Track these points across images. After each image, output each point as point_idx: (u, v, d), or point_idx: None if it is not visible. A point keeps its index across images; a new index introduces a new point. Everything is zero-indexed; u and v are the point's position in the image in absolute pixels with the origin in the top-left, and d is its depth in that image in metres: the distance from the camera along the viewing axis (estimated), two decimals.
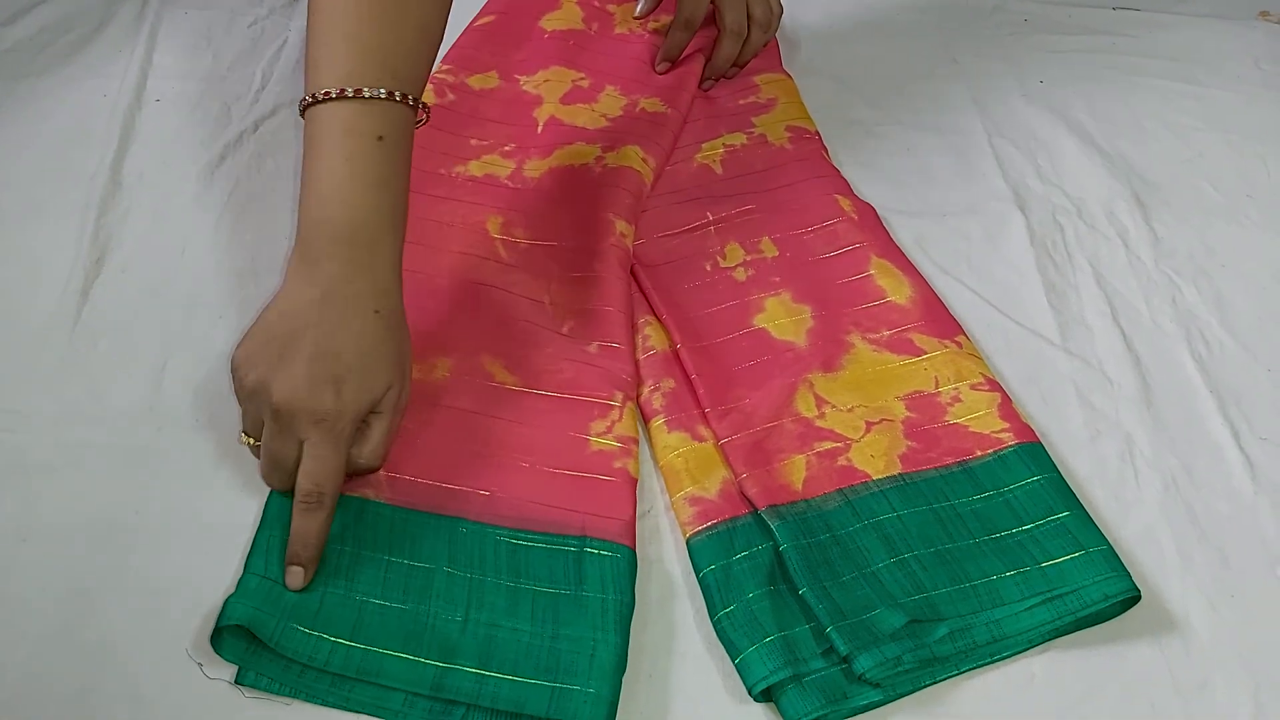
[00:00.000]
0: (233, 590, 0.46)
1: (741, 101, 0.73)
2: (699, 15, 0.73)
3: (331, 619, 0.46)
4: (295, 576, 0.47)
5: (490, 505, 0.51)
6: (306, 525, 0.47)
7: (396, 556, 0.49)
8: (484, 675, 0.45)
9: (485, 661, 0.46)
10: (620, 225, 0.63)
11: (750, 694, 0.46)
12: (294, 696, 0.45)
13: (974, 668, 0.47)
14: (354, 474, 0.50)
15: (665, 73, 0.73)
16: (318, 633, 0.45)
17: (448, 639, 0.46)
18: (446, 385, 0.55)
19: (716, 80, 0.74)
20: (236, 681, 0.45)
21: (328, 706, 0.45)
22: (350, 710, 0.45)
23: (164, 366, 0.56)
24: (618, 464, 0.52)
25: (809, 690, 0.45)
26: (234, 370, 0.49)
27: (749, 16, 0.73)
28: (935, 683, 0.47)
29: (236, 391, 0.50)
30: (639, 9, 0.76)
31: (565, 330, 0.58)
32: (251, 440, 0.50)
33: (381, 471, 0.51)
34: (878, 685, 0.46)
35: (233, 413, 0.54)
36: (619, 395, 0.55)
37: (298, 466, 0.48)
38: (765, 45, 0.76)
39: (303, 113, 0.51)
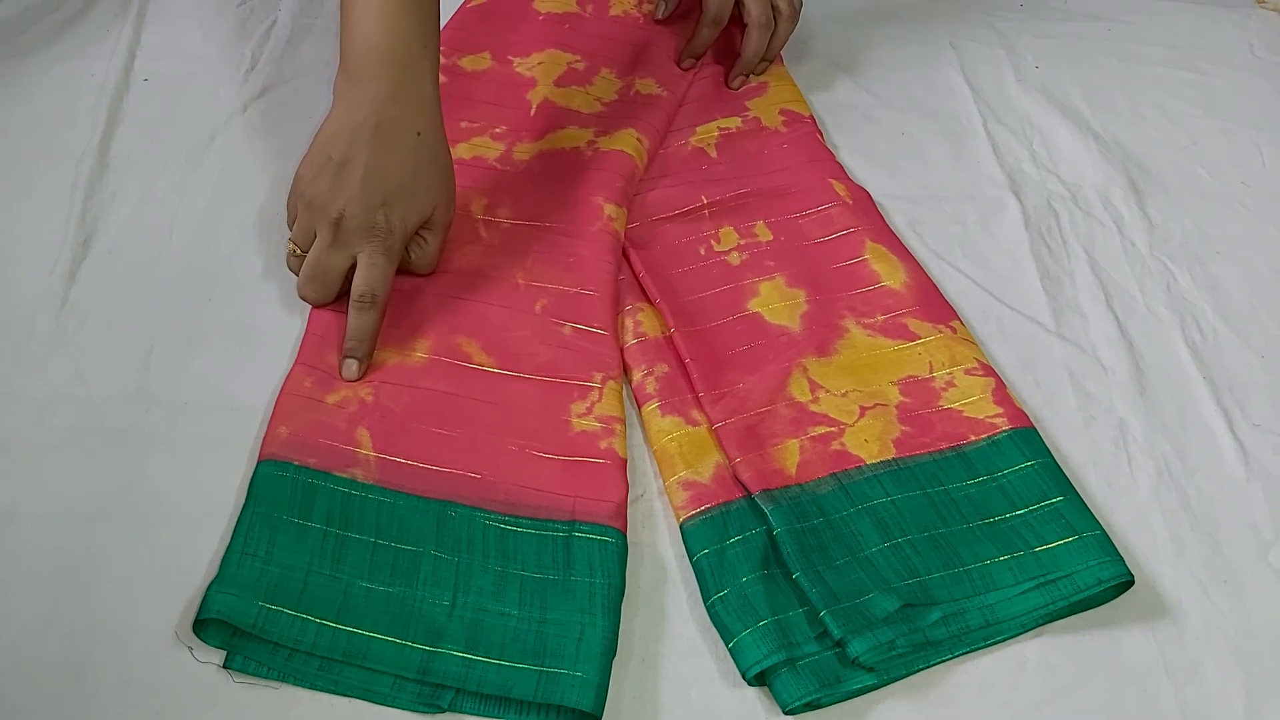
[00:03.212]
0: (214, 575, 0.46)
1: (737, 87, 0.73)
2: (725, 11, 0.71)
3: (316, 601, 0.46)
4: (350, 368, 0.53)
5: (481, 488, 0.51)
6: (362, 323, 0.53)
7: (384, 539, 0.48)
8: (471, 659, 0.45)
9: (472, 645, 0.45)
10: (610, 209, 0.62)
11: (744, 678, 0.46)
12: (282, 680, 0.45)
13: (967, 652, 0.47)
14: (408, 273, 0.57)
15: (689, 69, 0.72)
16: (302, 614, 0.45)
17: (434, 622, 0.46)
18: (426, 368, 0.55)
19: (747, 76, 0.72)
20: (225, 665, 0.45)
21: (316, 690, 0.45)
22: (339, 693, 0.45)
23: (151, 349, 0.55)
24: (604, 444, 0.52)
25: (802, 674, 0.45)
26: (295, 184, 0.55)
27: (774, 9, 0.72)
28: (928, 666, 0.47)
29: (295, 204, 0.55)
30: (659, 11, 0.75)
31: (538, 309, 0.58)
32: (299, 250, 0.55)
33: (371, 453, 0.51)
34: (871, 669, 0.46)
35: (218, 395, 0.54)
36: (598, 376, 0.55)
37: (339, 281, 0.54)
38: (789, 37, 0.74)
39: None
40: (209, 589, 0.45)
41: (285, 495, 0.48)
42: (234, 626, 0.45)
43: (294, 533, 0.47)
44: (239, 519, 0.48)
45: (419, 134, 0.54)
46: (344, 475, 0.50)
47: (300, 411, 0.52)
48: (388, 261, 0.53)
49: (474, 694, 0.45)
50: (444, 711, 0.45)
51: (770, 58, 0.73)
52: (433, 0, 0.57)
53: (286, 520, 0.48)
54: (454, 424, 0.53)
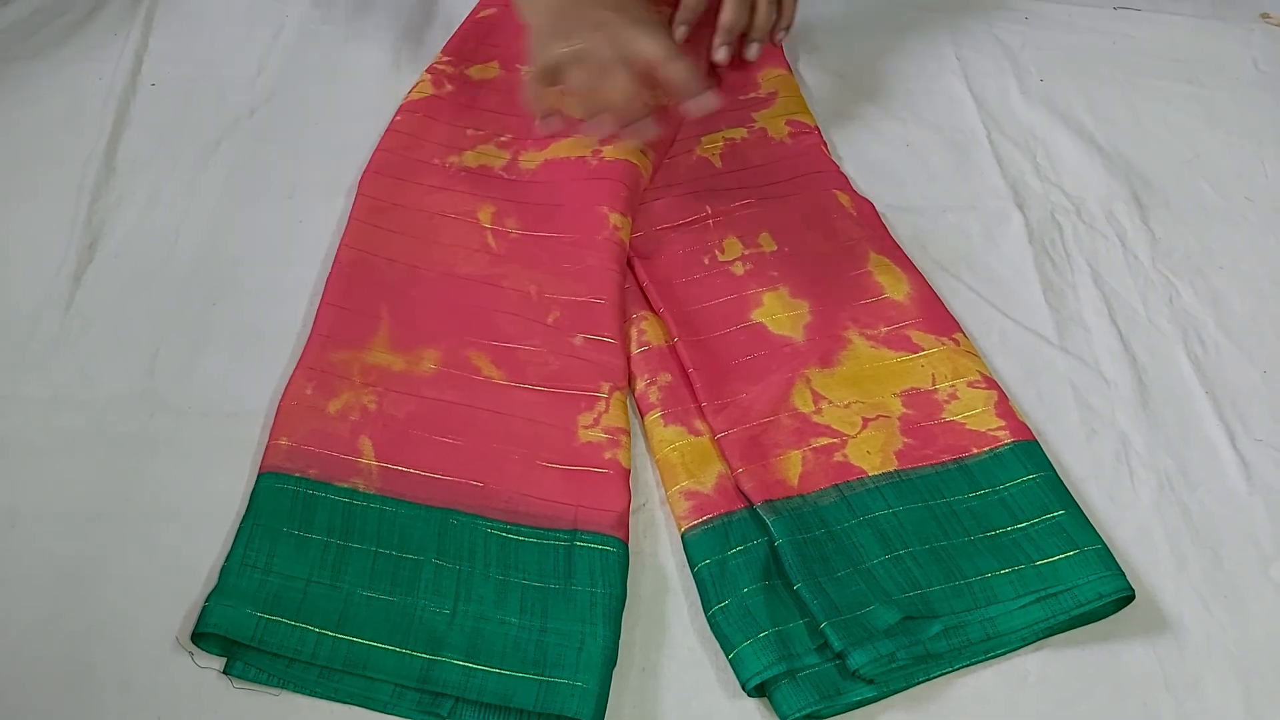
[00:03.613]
0: (215, 581, 0.46)
1: (742, 96, 0.73)
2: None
3: (316, 611, 0.46)
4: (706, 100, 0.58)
5: (483, 496, 0.51)
6: (679, 69, 0.57)
7: (385, 548, 0.48)
8: (471, 668, 0.45)
9: (473, 654, 0.45)
10: (615, 218, 0.62)
11: (744, 689, 0.46)
12: (282, 687, 0.45)
13: (968, 665, 0.47)
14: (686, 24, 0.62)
15: (683, 39, 0.69)
16: (302, 624, 0.45)
17: (435, 631, 0.46)
18: (434, 378, 0.55)
19: (729, 47, 0.68)
20: (225, 671, 0.45)
21: (316, 697, 0.45)
22: (339, 701, 0.45)
23: (156, 352, 0.55)
24: (608, 455, 0.52)
25: (802, 685, 0.45)
26: (534, 53, 0.60)
27: None
28: (929, 679, 0.47)
29: (548, 56, 0.59)
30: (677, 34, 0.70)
31: (550, 321, 0.58)
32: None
33: (374, 462, 0.51)
34: (871, 681, 0.46)
35: (223, 399, 0.54)
36: (605, 386, 0.55)
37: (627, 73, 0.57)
38: (776, 22, 0.71)
39: None
40: (207, 601, 0.45)
41: (286, 507, 0.49)
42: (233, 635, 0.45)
43: (294, 544, 0.48)
44: (239, 530, 0.48)
45: None
46: (345, 485, 0.50)
47: (301, 421, 0.52)
48: (659, 29, 0.59)
49: (474, 703, 0.45)
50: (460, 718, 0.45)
51: (759, 38, 0.69)
52: None
53: (287, 532, 0.48)
54: (458, 432, 0.53)
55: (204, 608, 0.45)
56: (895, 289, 0.61)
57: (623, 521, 0.50)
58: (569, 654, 0.45)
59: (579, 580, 0.48)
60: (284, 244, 0.61)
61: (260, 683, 0.45)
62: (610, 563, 0.49)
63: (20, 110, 0.67)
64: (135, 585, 0.47)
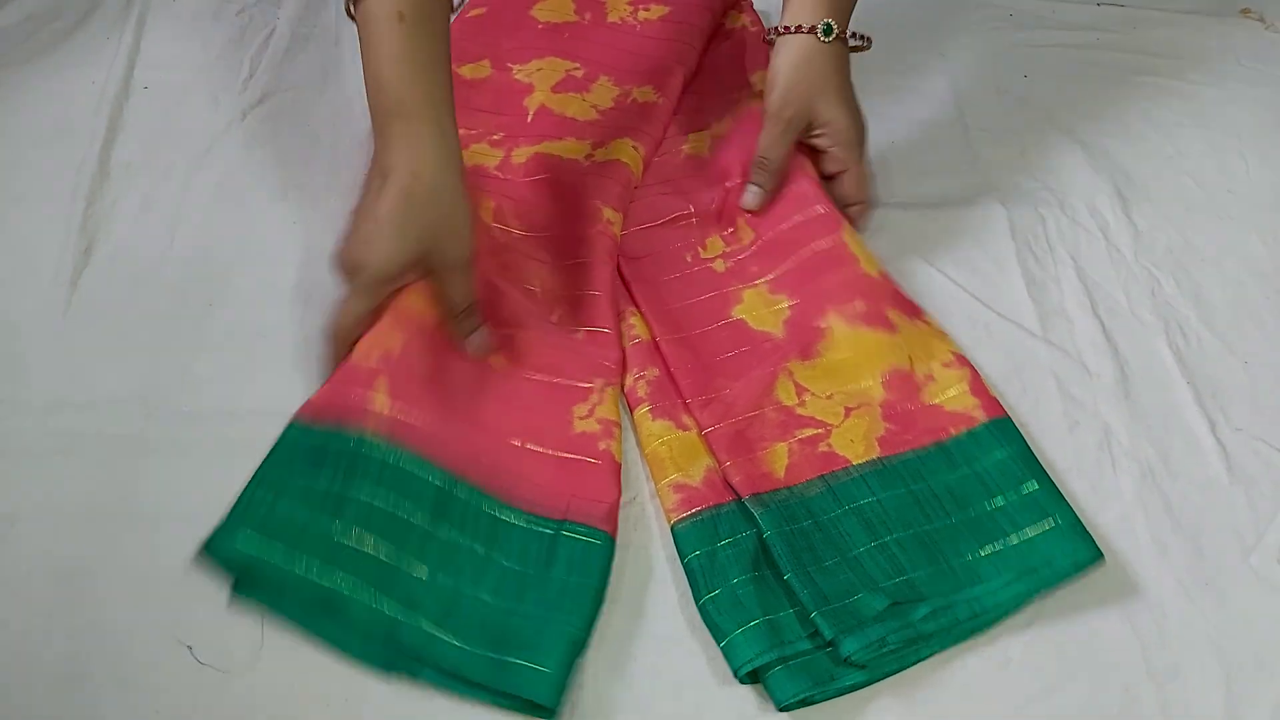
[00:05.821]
0: (219, 558, 0.47)
1: (734, 95, 0.74)
2: (776, 157, 0.63)
3: (305, 552, 0.47)
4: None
5: (482, 472, 0.51)
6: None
7: (381, 503, 0.49)
8: (435, 636, 0.46)
9: (441, 622, 0.47)
10: (607, 212, 0.63)
11: (736, 675, 0.47)
12: (275, 609, 0.46)
13: (956, 643, 0.48)
14: (455, 316, 0.55)
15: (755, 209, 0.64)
16: (289, 566, 0.47)
17: (412, 593, 0.47)
18: (446, 350, 0.55)
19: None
20: (234, 590, 0.46)
21: (303, 628, 0.46)
22: (319, 636, 0.46)
23: (152, 355, 0.56)
24: (602, 446, 0.53)
25: (796, 672, 0.46)
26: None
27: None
28: (920, 660, 0.48)
29: None
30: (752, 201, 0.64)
31: (554, 318, 0.59)
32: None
33: (385, 410, 0.51)
34: (863, 666, 0.47)
35: (219, 400, 0.55)
36: (599, 380, 0.56)
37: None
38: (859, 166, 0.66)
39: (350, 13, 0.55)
40: (211, 534, 0.46)
41: (299, 454, 0.49)
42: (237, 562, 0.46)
43: (299, 491, 0.48)
44: (253, 475, 0.48)
45: (415, 175, 0.52)
46: (354, 428, 0.50)
47: (331, 379, 0.52)
48: (359, 302, 0.53)
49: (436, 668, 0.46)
50: (418, 676, 0.46)
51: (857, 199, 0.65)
52: (429, 49, 0.54)
53: (293, 480, 0.49)
54: (461, 416, 0.53)
55: (208, 539, 0.46)
56: (870, 264, 0.60)
57: (612, 515, 0.51)
58: (532, 637, 0.46)
59: (556, 569, 0.49)
60: (278, 246, 0.62)
61: (261, 601, 0.46)
62: (592, 554, 0.49)
63: (14, 116, 0.68)
64: (133, 586, 0.48)
